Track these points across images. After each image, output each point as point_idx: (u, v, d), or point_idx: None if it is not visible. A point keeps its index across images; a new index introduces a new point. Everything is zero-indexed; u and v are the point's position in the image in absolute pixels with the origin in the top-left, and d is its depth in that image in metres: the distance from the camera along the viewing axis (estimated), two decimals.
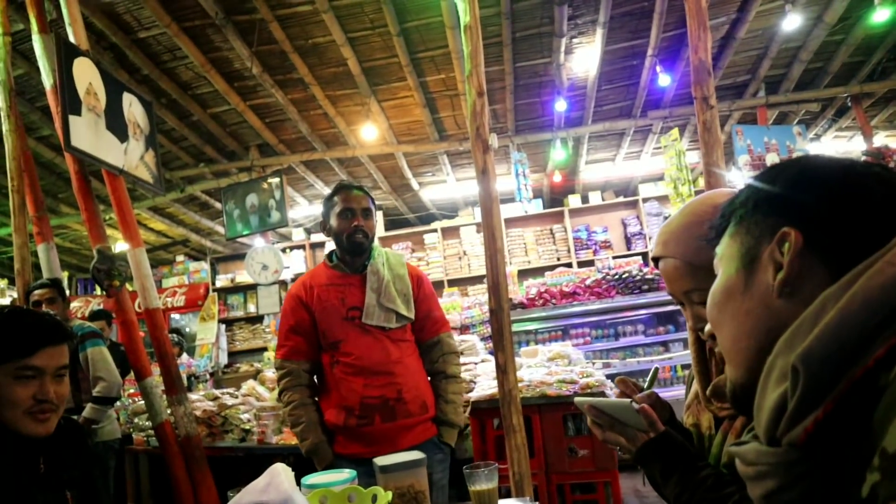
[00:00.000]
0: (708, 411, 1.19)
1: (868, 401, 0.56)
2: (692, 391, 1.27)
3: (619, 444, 1.19)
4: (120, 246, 6.58)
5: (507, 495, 2.97)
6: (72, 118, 3.11)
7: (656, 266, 1.21)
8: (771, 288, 0.69)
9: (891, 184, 0.68)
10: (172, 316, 9.31)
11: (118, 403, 4.47)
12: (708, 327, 0.81)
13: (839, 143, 8.28)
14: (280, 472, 1.32)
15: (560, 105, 6.15)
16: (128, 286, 3.56)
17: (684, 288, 1.14)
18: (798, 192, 0.71)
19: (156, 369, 3.75)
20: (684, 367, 5.70)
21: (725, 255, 0.78)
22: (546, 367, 3.39)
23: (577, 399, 1.22)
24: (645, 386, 1.26)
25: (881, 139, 8.08)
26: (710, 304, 0.79)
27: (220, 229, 8.22)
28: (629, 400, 1.15)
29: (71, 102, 3.14)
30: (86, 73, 3.31)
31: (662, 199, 8.56)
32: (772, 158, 6.24)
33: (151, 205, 7.53)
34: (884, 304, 0.57)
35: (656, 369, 1.26)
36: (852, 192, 0.68)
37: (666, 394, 5.04)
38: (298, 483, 1.45)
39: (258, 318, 9.11)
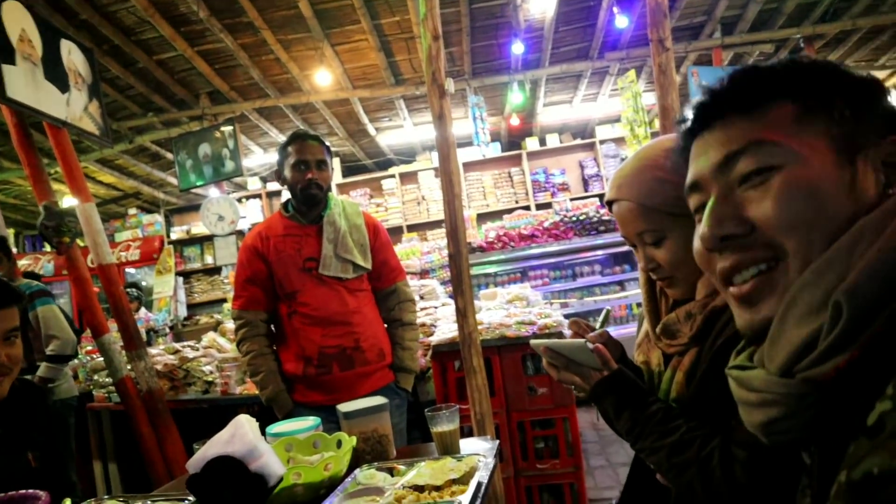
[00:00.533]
0: (657, 348, 1.25)
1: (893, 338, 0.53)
2: (643, 330, 1.33)
3: (574, 384, 1.23)
4: (68, 200, 6.37)
5: (470, 434, 3.07)
6: (5, 67, 2.95)
7: (610, 210, 1.24)
8: (873, 190, 0.62)
9: None
10: (128, 270, 9.13)
11: (76, 361, 4.42)
12: (721, 231, 0.67)
13: None
14: (244, 423, 1.34)
15: (517, 47, 6.08)
16: (79, 242, 3.47)
17: (637, 229, 1.17)
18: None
19: (113, 325, 3.71)
20: (639, 305, 5.86)
21: (803, 140, 0.64)
22: (505, 309, 3.46)
23: (532, 341, 1.26)
24: (597, 326, 1.31)
25: None
26: (796, 198, 0.63)
27: (173, 180, 8.01)
28: (583, 340, 1.19)
29: (3, 50, 2.98)
30: (17, 19, 3.12)
31: (619, 140, 8.63)
32: None
33: (99, 157, 7.28)
34: None
35: (608, 311, 1.30)
36: None
37: (622, 331, 5.19)
38: (263, 433, 1.47)
39: (216, 270, 9.01)
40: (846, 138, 0.62)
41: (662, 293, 1.27)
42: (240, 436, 1.29)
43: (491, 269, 6.15)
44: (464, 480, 1.32)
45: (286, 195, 2.60)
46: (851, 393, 0.57)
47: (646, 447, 1.12)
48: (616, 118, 8.36)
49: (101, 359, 3.73)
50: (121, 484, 4.10)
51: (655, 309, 1.26)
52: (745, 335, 0.71)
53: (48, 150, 3.65)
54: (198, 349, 4.21)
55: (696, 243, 0.72)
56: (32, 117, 3.24)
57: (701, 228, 0.70)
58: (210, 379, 3.82)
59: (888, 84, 8.21)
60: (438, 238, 7.92)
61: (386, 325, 2.63)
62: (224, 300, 7.88)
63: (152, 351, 4.06)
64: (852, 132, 0.63)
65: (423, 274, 6.01)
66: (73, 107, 3.40)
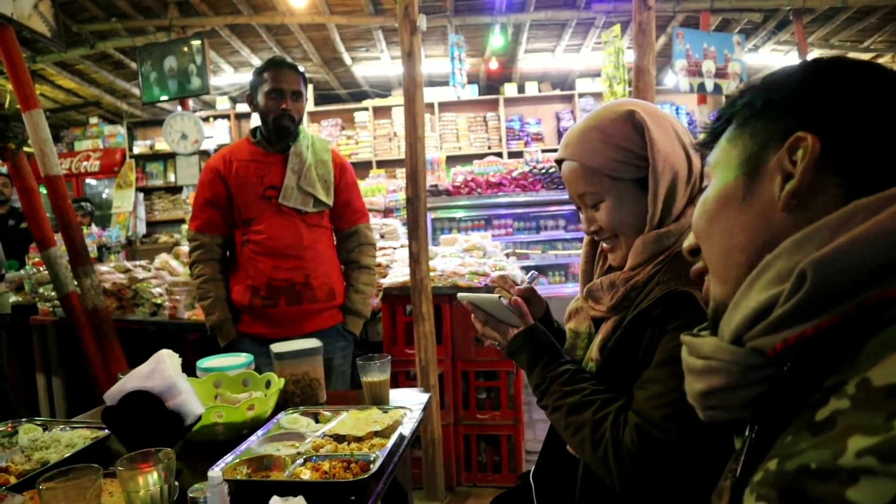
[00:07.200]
0: (587, 317, 1.25)
1: (864, 329, 0.51)
2: (577, 296, 1.33)
3: (496, 339, 1.25)
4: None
5: (414, 379, 3.10)
6: None
7: (559, 169, 1.22)
8: (775, 199, 0.62)
9: None
10: (88, 181, 8.86)
11: (22, 272, 4.32)
12: (689, 241, 0.75)
13: (775, 57, 8.33)
14: (166, 359, 1.31)
15: None
16: (27, 149, 3.32)
17: (579, 190, 1.17)
18: (817, 93, 0.62)
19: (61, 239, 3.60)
20: None
21: (721, 162, 0.69)
22: (460, 257, 3.44)
23: (459, 295, 1.28)
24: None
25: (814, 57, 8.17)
26: (699, 214, 0.70)
27: (137, 92, 7.68)
28: (498, 296, 1.21)
29: None
30: None
31: (598, 95, 8.51)
32: (708, 66, 6.23)
33: (58, 59, 6.91)
34: None
35: (535, 274, 1.35)
36: (880, 98, 0.59)
37: (576, 289, 5.20)
38: (186, 368, 1.44)
39: (178, 189, 8.79)
40: (754, 150, 0.66)
41: (601, 257, 1.28)
42: (160, 371, 1.26)
43: (456, 214, 6.10)
44: (386, 434, 1.32)
45: (256, 120, 2.53)
46: (797, 378, 0.56)
47: (549, 404, 1.13)
48: (597, 72, 8.21)
49: (48, 272, 3.64)
50: (65, 399, 4.07)
51: (590, 269, 1.29)
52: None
53: None
54: (149, 270, 4.13)
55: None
56: None
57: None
58: (159, 301, 3.76)
59: None
60: None
61: (343, 267, 2.61)
62: (183, 221, 7.72)
63: (102, 268, 3.97)
64: (761, 140, 0.66)
65: (387, 213, 5.93)
66: (21, 3, 3.17)
